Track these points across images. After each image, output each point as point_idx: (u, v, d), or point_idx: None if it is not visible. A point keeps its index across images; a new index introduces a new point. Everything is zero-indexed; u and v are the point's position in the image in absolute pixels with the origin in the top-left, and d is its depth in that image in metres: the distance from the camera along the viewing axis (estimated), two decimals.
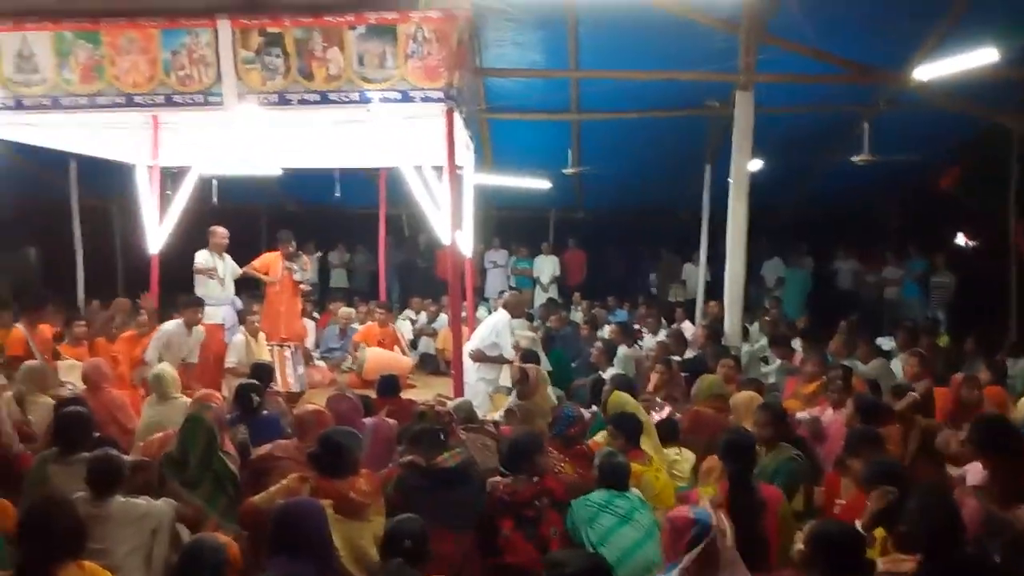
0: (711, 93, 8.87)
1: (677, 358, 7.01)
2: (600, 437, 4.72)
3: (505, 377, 6.78)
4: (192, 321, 7.04)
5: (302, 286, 8.50)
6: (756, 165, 7.73)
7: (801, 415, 5.46)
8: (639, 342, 8.14)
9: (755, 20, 7.21)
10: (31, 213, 12.16)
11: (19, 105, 5.58)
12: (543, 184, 10.86)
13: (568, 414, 4.65)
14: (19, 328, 7.05)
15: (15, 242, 13.24)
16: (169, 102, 5.45)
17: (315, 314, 10.68)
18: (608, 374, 6.24)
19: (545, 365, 6.99)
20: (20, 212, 11.92)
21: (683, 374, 6.45)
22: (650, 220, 12.92)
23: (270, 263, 7.95)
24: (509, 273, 13.24)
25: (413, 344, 10.16)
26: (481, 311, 10.83)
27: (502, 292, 12.38)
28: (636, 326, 9.27)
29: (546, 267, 12.80)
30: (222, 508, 3.98)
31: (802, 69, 7.95)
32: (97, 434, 4.40)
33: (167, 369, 5.63)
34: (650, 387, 6.13)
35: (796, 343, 7.85)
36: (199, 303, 7.21)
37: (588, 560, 2.47)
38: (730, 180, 7.34)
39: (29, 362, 6.06)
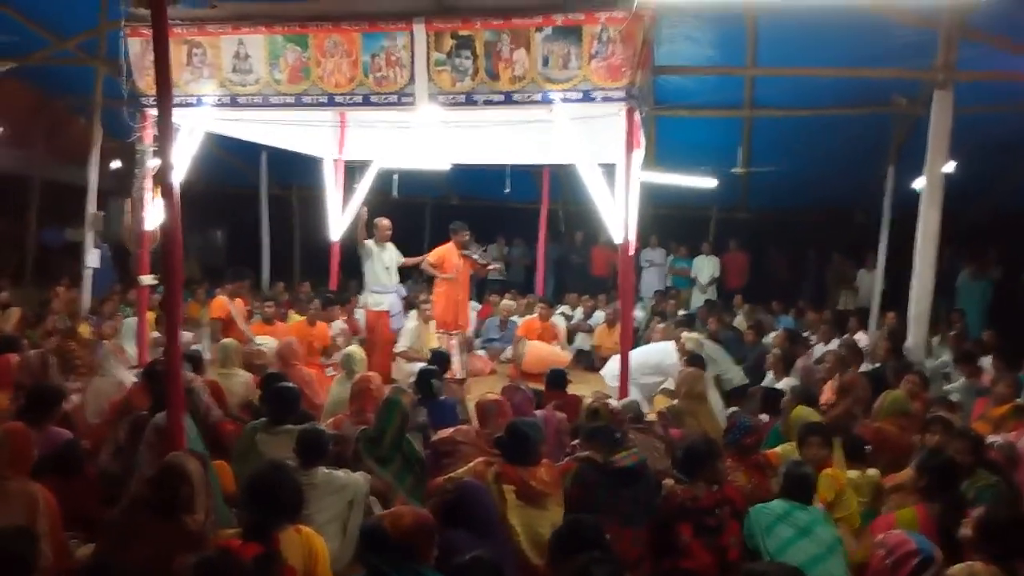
0: (897, 90, 8.41)
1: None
2: (781, 449, 4.65)
3: (671, 381, 6.78)
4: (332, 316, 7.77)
5: (492, 267, 8.83)
6: (950, 167, 7.25)
7: (993, 439, 5.13)
8: (809, 351, 7.88)
9: (956, 14, 6.77)
10: (221, 199, 13.35)
11: (234, 102, 6.12)
12: (709, 182, 10.68)
13: (744, 423, 4.61)
14: (222, 297, 7.83)
15: (205, 225, 14.56)
16: (366, 102, 5.80)
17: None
18: (782, 384, 6.11)
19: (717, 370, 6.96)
20: (212, 198, 13.11)
21: None
22: (821, 222, 12.40)
23: (444, 255, 8.30)
24: (666, 272, 13.12)
25: (568, 339, 10.32)
26: (637, 311, 10.85)
27: (658, 292, 12.38)
28: (804, 333, 8.97)
29: (705, 267, 12.56)
30: (409, 486, 4.27)
31: (1007, 65, 7.39)
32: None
33: (357, 350, 6.06)
34: (824, 398, 5.95)
35: (983, 361, 7.39)
36: (339, 303, 7.84)
37: (786, 572, 2.48)
38: (918, 187, 6.95)
39: (224, 340, 6.71)
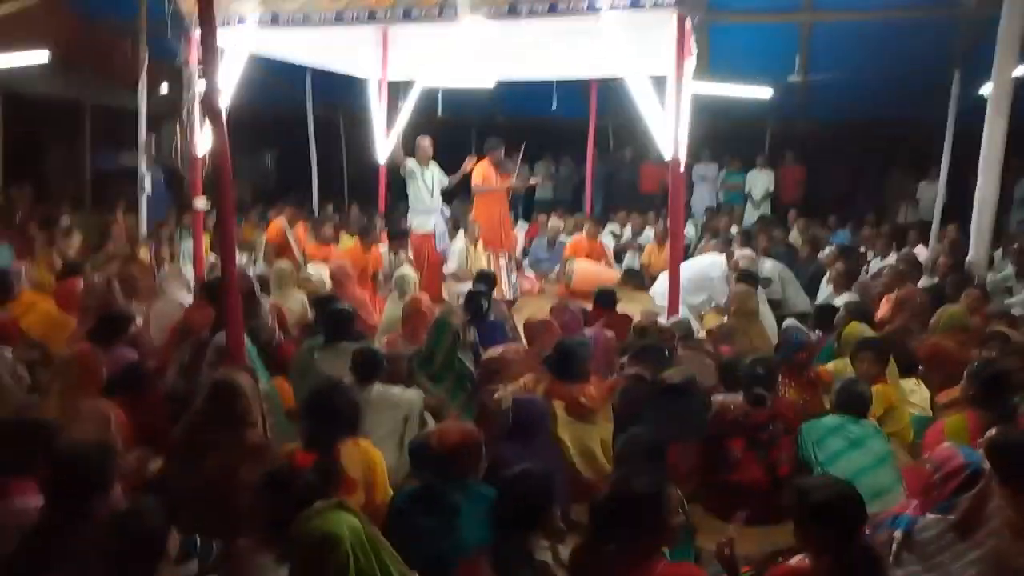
0: None
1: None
2: (833, 366, 4.62)
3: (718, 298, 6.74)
4: (398, 247, 7.80)
5: (532, 180, 8.92)
6: (1021, 71, 6.86)
7: None
8: (865, 266, 7.72)
9: None
10: (269, 121, 13.37)
11: (275, 20, 6.06)
12: (764, 92, 10.31)
13: (797, 339, 4.59)
14: (280, 220, 7.95)
15: (255, 147, 14.66)
16: (407, 16, 5.68)
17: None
18: (841, 300, 6.01)
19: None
20: (260, 120, 13.11)
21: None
22: (880, 133, 11.94)
23: (484, 173, 8.26)
24: (718, 188, 12.86)
25: (617, 258, 10.28)
26: (688, 228, 10.71)
27: (709, 208, 12.16)
28: (862, 249, 8.77)
29: (759, 182, 12.26)
30: (461, 401, 4.40)
31: None
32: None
33: (410, 271, 6.15)
34: (881, 313, 5.86)
35: None
36: (405, 235, 7.94)
37: (839, 488, 2.50)
38: (985, 93, 6.60)
39: (279, 262, 6.85)
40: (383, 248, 7.89)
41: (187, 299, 5.94)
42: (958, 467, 2.78)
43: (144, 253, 8.09)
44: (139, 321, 5.74)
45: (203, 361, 4.31)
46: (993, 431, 2.87)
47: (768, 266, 7.41)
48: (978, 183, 6.61)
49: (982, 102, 6.75)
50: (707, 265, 6.99)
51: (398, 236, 7.81)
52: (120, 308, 5.17)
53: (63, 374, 3.88)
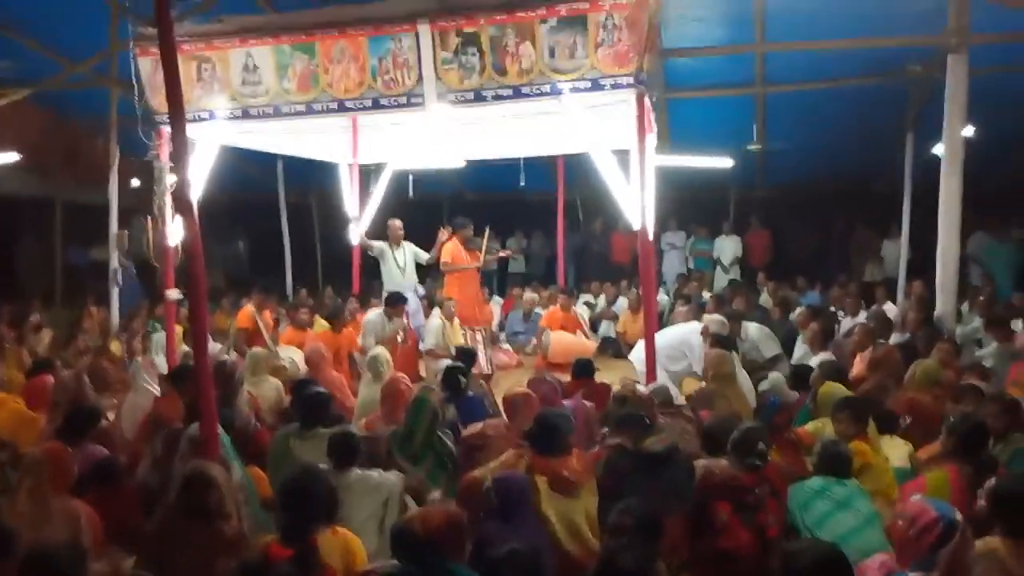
0: (913, 57, 8.29)
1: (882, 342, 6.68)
2: (812, 427, 4.63)
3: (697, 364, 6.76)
4: (393, 314, 7.65)
5: (502, 253, 9.24)
6: (969, 131, 7.14)
7: None
8: (836, 325, 7.82)
9: None
10: (241, 207, 13.50)
11: (245, 114, 6.16)
12: (724, 162, 10.61)
13: (774, 402, 4.61)
14: (249, 307, 7.92)
15: (228, 235, 14.71)
16: (376, 105, 5.81)
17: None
18: (817, 359, 6.06)
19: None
20: (232, 207, 13.23)
21: None
22: (840, 195, 12.27)
23: (454, 252, 8.34)
24: (687, 255, 13.07)
25: (593, 327, 10.33)
26: (660, 295, 10.82)
27: (680, 275, 12.32)
28: (832, 308, 8.90)
29: (727, 248, 12.51)
30: (443, 482, 4.32)
31: (1022, 26, 7.25)
32: None
33: (383, 352, 6.12)
34: (855, 372, 5.91)
35: (1016, 324, 7.29)
36: (404, 301, 7.80)
37: (826, 551, 2.48)
38: (938, 152, 6.86)
39: (254, 348, 6.80)
40: (376, 314, 7.87)
41: (159, 391, 5.84)
42: (931, 521, 2.77)
43: (116, 346, 7.99)
44: (111, 415, 5.63)
45: (176, 453, 4.22)
46: (993, 481, 2.87)
47: (752, 330, 7.49)
48: (939, 240, 6.79)
49: (937, 161, 7.00)
50: (687, 332, 7.04)
51: (394, 302, 7.79)
52: (89, 403, 5.08)
53: (32, 473, 3.77)
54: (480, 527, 3.36)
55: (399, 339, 7.84)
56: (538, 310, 10.09)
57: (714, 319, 7.14)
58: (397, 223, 8.44)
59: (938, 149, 7.13)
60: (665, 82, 9.80)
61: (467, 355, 6.38)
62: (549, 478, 3.83)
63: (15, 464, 4.38)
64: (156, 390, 5.82)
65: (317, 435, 4.38)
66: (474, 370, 7.59)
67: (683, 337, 6.91)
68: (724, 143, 10.44)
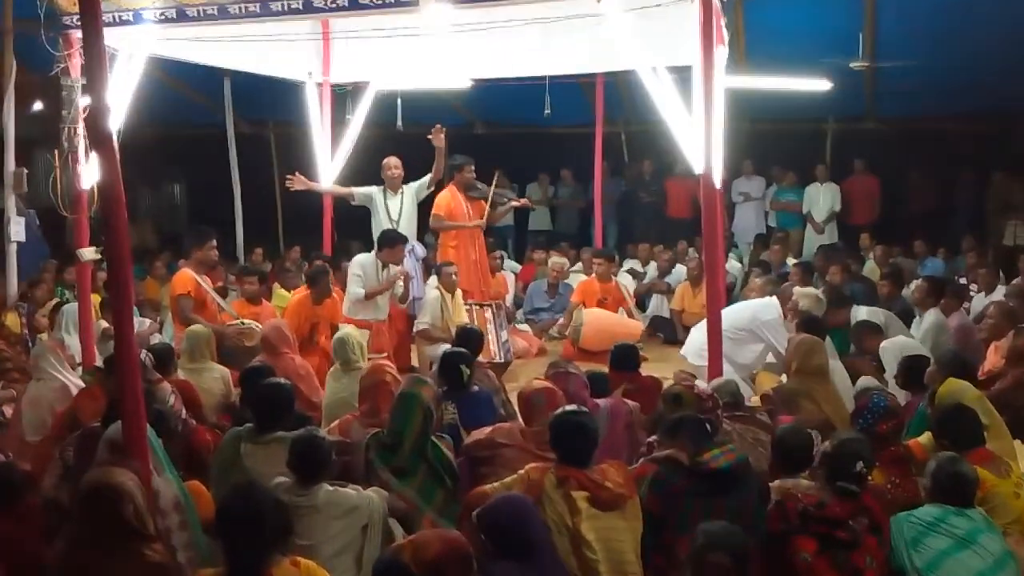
0: None
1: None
2: (924, 438, 4.64)
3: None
4: (390, 259, 7.72)
5: (515, 203, 9.22)
6: None
7: None
8: (966, 304, 7.80)
9: None
10: (177, 143, 13.52)
11: (181, 15, 6.13)
12: (819, 85, 10.51)
13: (880, 404, 4.60)
14: (186, 270, 7.80)
15: (159, 177, 14.77)
16: (354, 5, 5.79)
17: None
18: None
19: None
20: (164, 142, 13.27)
21: None
22: (974, 133, 12.16)
23: (449, 203, 8.39)
24: (767, 208, 13.02)
25: (639, 304, 10.35)
26: (730, 261, 10.80)
27: (758, 235, 12.28)
28: (961, 281, 8.86)
29: (821, 199, 12.43)
30: (438, 503, 4.36)
31: None
32: None
33: (352, 332, 6.16)
34: (986, 367, 5.90)
35: None
36: (403, 240, 7.85)
37: None
38: None
39: (193, 327, 6.83)
40: (366, 257, 7.90)
41: (71, 379, 5.92)
42: None
43: (12, 320, 8.07)
44: (7, 410, 5.71)
45: (92, 460, 4.28)
46: None
47: (864, 312, 7.44)
48: None
49: None
50: (758, 309, 7.04)
51: (391, 242, 7.83)
52: None
53: None
54: (485, 565, 3.39)
55: (397, 295, 7.80)
56: (567, 280, 10.10)
57: (806, 292, 7.14)
58: (393, 161, 8.47)
59: None
60: None
61: (472, 338, 6.40)
62: (590, 493, 3.86)
63: None
64: (66, 378, 5.89)
65: (275, 439, 4.42)
66: (481, 358, 7.67)
67: (753, 316, 6.90)
68: (820, 59, 10.32)
